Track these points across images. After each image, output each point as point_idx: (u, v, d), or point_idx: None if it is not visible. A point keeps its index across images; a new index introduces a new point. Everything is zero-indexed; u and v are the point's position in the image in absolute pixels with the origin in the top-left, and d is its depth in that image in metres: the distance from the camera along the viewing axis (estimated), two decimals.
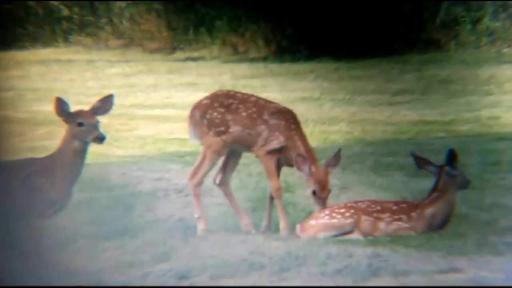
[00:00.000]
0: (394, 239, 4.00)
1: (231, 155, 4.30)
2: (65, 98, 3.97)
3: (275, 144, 4.22)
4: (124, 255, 3.98)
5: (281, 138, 4.21)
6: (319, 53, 11.16)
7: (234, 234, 4.19)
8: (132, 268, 3.82)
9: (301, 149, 4.20)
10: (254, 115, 4.21)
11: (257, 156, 4.28)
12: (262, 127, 4.21)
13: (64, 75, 10.46)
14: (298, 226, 4.23)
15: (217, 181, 4.34)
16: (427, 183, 4.96)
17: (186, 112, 4.38)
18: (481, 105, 7.69)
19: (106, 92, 4.09)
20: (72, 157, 3.92)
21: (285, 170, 4.42)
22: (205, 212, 4.37)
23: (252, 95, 4.32)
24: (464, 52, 10.66)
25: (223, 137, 4.21)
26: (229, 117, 4.21)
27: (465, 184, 4.17)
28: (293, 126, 4.24)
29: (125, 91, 9.23)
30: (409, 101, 7.93)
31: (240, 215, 4.34)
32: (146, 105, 8.57)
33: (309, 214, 4.36)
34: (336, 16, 11.26)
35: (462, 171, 4.16)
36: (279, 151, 4.23)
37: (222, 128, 4.21)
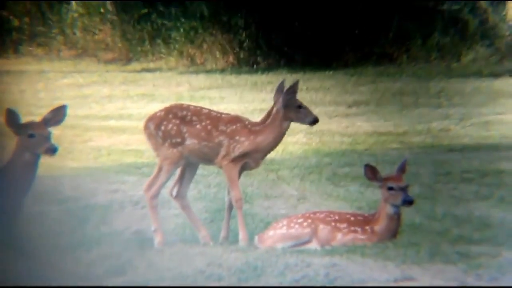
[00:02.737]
0: (351, 248, 4.05)
1: (188, 167, 4.29)
2: (15, 109, 3.87)
3: (240, 149, 4.22)
4: (79, 268, 3.89)
5: (244, 141, 4.21)
6: (276, 65, 11.27)
7: (191, 246, 4.16)
8: (87, 281, 3.73)
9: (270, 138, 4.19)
10: (209, 127, 4.23)
11: (220, 167, 4.26)
12: (220, 138, 4.22)
13: (14, 86, 10.20)
14: (256, 237, 4.23)
15: (174, 194, 4.32)
16: None
17: (142, 123, 4.34)
18: (432, 117, 7.91)
19: (58, 103, 4.01)
20: (23, 169, 3.84)
21: (243, 180, 4.42)
22: (162, 224, 4.32)
23: (204, 108, 4.33)
24: (416, 66, 10.97)
25: (179, 148, 4.20)
26: (184, 129, 4.21)
27: (406, 200, 4.09)
28: (249, 125, 4.25)
29: (79, 102, 9.07)
30: (364, 113, 8.09)
31: (197, 227, 4.31)
32: (100, 116, 8.44)
33: (267, 225, 4.37)
34: (292, 29, 11.42)
35: (403, 187, 4.12)
36: (244, 156, 4.22)
37: (178, 140, 4.21)
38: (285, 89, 4.33)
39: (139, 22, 12.16)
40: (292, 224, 4.18)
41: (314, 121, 4.31)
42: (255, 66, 11.34)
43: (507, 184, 5.31)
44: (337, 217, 4.20)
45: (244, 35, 11.51)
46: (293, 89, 4.31)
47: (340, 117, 7.66)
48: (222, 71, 11.13)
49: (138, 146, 6.92)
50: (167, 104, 4.39)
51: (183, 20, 11.75)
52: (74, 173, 5.86)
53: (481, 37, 11.37)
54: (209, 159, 4.24)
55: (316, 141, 6.85)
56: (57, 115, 3.92)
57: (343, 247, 4.09)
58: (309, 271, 3.69)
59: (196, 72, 11.11)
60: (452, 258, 3.90)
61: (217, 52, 11.57)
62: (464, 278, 3.65)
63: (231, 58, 11.52)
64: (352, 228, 4.18)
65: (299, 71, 10.63)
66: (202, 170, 4.50)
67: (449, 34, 11.29)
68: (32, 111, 6.88)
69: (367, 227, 4.17)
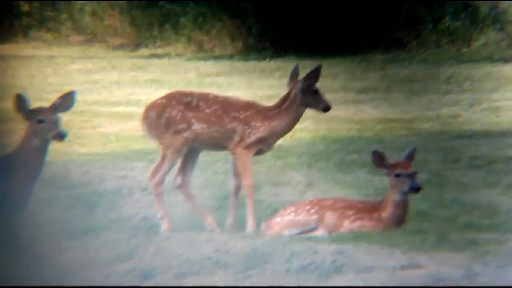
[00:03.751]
0: (358, 236, 4.06)
1: (189, 156, 4.24)
2: (25, 94, 3.88)
3: (256, 135, 4.17)
4: (87, 254, 3.92)
5: (260, 126, 4.16)
6: (284, 51, 11.21)
7: (198, 233, 4.18)
8: (95, 267, 3.77)
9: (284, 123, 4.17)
10: (219, 112, 4.16)
11: (233, 153, 4.21)
12: (234, 124, 4.16)
13: (24, 71, 10.23)
14: (263, 224, 4.24)
15: (178, 183, 4.29)
16: None
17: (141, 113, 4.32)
18: (441, 104, 7.86)
19: (67, 89, 4.03)
20: (32, 155, 3.84)
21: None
22: (169, 211, 4.33)
23: (210, 93, 4.28)
24: (425, 52, 10.87)
25: (185, 134, 4.15)
26: (190, 114, 4.15)
27: (413, 187, 4.06)
28: (263, 110, 4.21)
29: (87, 88, 9.08)
30: (373, 99, 8.04)
31: (203, 215, 4.31)
32: (109, 102, 8.46)
33: (274, 212, 4.38)
34: (301, 15, 11.33)
35: (411, 174, 4.08)
36: (260, 142, 4.18)
37: (184, 126, 4.16)
38: (299, 73, 4.26)
39: (148, 7, 12.11)
40: (299, 211, 4.19)
41: (327, 108, 4.27)
42: (263, 52, 11.28)
43: None
44: (344, 204, 4.20)
45: (252, 21, 11.44)
46: (315, 73, 4.24)
47: (348, 104, 7.63)
48: (231, 57, 11.09)
49: None
50: (175, 90, 4.36)
51: (191, 5, 11.69)
52: (83, 159, 5.89)
53: (492, 22, 11.23)
54: (218, 144, 4.20)
55: (324, 127, 6.83)
56: (67, 100, 3.92)
57: (350, 234, 4.09)
58: (316, 258, 3.70)
59: (205, 59, 11.08)
60: (459, 245, 3.89)
61: (226, 38, 11.52)
62: (471, 266, 3.64)
63: (239, 45, 11.47)
64: (359, 215, 4.18)
65: (307, 58, 10.56)
66: (209, 157, 4.50)
67: (460, 19, 11.16)
68: (41, 96, 6.91)
69: (374, 214, 4.17)
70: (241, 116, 4.17)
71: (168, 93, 4.26)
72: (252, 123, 4.16)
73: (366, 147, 5.95)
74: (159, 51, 11.78)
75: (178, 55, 11.45)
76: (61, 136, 3.84)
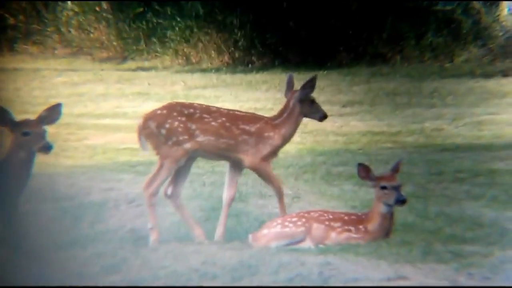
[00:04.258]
0: (344, 247, 4.08)
1: (182, 167, 4.27)
2: (6, 107, 3.86)
3: (272, 145, 4.25)
4: (73, 267, 3.90)
5: (273, 136, 4.24)
6: (271, 64, 11.29)
7: (186, 244, 4.17)
8: (82, 280, 3.75)
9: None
10: (227, 124, 4.21)
11: (249, 167, 4.24)
12: (245, 137, 4.21)
13: (9, 84, 10.17)
14: (250, 236, 4.25)
15: (168, 193, 4.30)
16: None
17: (137, 122, 4.34)
18: (425, 117, 7.95)
19: (53, 101, 4.02)
20: (18, 167, 3.83)
21: (238, 180, 4.44)
22: (157, 222, 4.32)
23: (209, 105, 4.32)
24: (409, 66, 11.01)
25: (186, 145, 4.16)
26: (193, 126, 4.17)
27: (399, 199, 4.10)
28: (269, 120, 4.31)
29: (74, 100, 9.06)
30: (358, 112, 8.12)
31: (192, 226, 4.32)
32: (95, 115, 8.44)
33: (261, 224, 4.40)
34: (287, 29, 11.44)
35: (396, 186, 4.13)
36: (275, 151, 4.26)
37: (185, 137, 4.17)
38: (294, 84, 4.37)
39: (134, 21, 12.15)
40: (286, 223, 4.20)
41: (324, 116, 4.37)
42: (250, 65, 11.36)
43: (499, 184, 5.35)
44: (331, 216, 4.23)
45: (239, 34, 11.53)
46: (311, 83, 4.35)
47: (334, 117, 7.69)
48: (217, 70, 11.14)
49: (133, 145, 6.90)
50: (162, 102, 4.38)
51: (178, 19, 11.75)
52: (69, 171, 5.86)
53: (474, 38, 11.43)
54: (223, 155, 4.22)
55: (310, 140, 6.88)
56: (53, 113, 3.92)
57: (336, 246, 4.11)
58: (303, 269, 3.72)
59: (191, 71, 11.12)
60: (444, 257, 3.93)
61: (212, 52, 11.58)
62: (456, 277, 3.68)
63: (226, 58, 11.53)
64: (346, 227, 4.21)
65: (294, 71, 10.61)
66: (197, 169, 4.52)
67: (442, 35, 11.34)
68: (27, 109, 6.87)
69: (360, 226, 4.20)
70: (253, 129, 4.22)
71: (167, 103, 4.27)
72: (266, 134, 4.23)
73: (352, 159, 6.00)
74: (146, 64, 11.80)
75: (165, 68, 11.48)
76: (46, 148, 3.84)
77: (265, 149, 4.23)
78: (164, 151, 4.17)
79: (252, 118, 4.29)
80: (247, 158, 4.20)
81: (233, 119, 4.23)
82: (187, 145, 4.16)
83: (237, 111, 4.34)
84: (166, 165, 4.17)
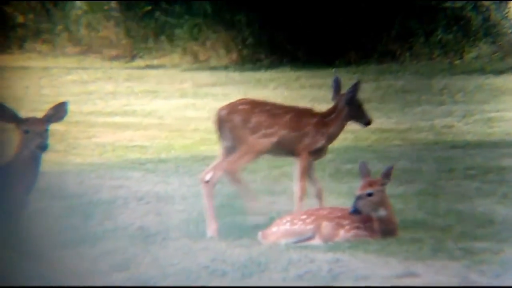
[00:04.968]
0: (354, 244, 4.06)
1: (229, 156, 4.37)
2: (4, 103, 3.85)
3: (322, 141, 4.45)
4: (83, 264, 3.91)
5: (325, 133, 4.46)
6: (279, 62, 11.27)
7: (195, 242, 4.17)
8: (91, 277, 3.76)
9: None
10: (296, 118, 4.39)
11: (296, 155, 4.40)
12: (308, 128, 4.41)
13: (18, 82, 10.22)
14: (260, 233, 4.25)
15: (206, 179, 4.37)
16: (386, 189, 5.06)
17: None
18: (435, 115, 7.91)
19: (61, 100, 4.02)
20: (24, 165, 3.81)
21: (247, 177, 4.44)
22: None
23: (273, 102, 4.52)
24: (418, 63, 10.96)
25: (272, 139, 4.36)
26: (273, 121, 4.37)
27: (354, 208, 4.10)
28: (322, 117, 4.52)
29: (83, 99, 9.09)
30: (367, 110, 8.07)
31: (210, 219, 4.35)
32: (105, 113, 8.46)
33: (271, 221, 4.38)
34: (296, 27, 11.41)
35: (359, 196, 4.14)
36: (322, 147, 4.47)
37: (272, 130, 4.37)
38: (340, 86, 4.55)
39: (143, 19, 12.18)
40: (295, 221, 4.20)
41: (369, 122, 4.60)
42: (258, 63, 11.35)
43: (509, 181, 5.31)
44: (340, 214, 4.22)
45: (247, 32, 11.52)
46: (355, 87, 4.54)
47: None
48: (226, 68, 11.14)
49: (142, 142, 6.94)
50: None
51: (186, 17, 11.76)
52: (78, 169, 5.88)
53: (483, 35, 11.35)
54: (289, 149, 4.42)
55: None
56: (59, 111, 3.89)
57: (346, 243, 4.10)
58: (312, 266, 3.71)
59: (200, 69, 11.12)
60: (455, 255, 3.90)
61: (221, 49, 11.58)
62: (467, 275, 3.65)
63: (234, 56, 11.52)
64: (355, 224, 4.20)
65: (302, 69, 10.63)
66: (206, 166, 4.51)
67: (452, 32, 11.27)
68: (36, 107, 6.90)
69: (369, 224, 4.18)
70: (313, 122, 4.43)
71: (242, 99, 4.45)
72: (322, 130, 4.45)
73: (361, 157, 5.98)
74: (155, 62, 11.82)
75: (174, 66, 11.49)
76: (41, 147, 3.78)
77: (316, 144, 4.42)
78: (251, 142, 4.32)
79: (310, 112, 4.49)
80: (300, 147, 4.39)
81: (299, 113, 4.44)
82: (273, 139, 4.36)
83: (297, 106, 4.55)
84: (249, 155, 4.31)
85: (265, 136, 4.34)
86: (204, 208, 4.36)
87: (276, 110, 4.39)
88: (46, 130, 3.83)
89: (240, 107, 4.39)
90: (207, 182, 4.35)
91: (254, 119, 4.33)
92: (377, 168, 5.76)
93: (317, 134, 4.43)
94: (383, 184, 4.18)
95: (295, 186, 4.42)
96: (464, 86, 9.31)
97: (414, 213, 4.58)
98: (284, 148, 4.41)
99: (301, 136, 4.40)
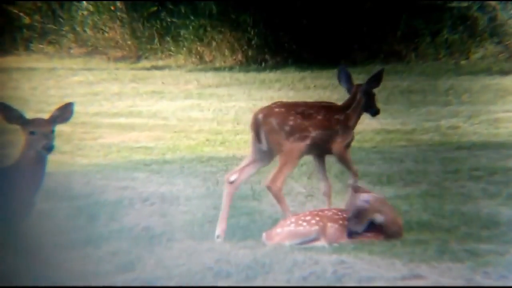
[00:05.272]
0: (358, 246, 4.06)
1: (258, 161, 4.41)
2: (7, 103, 3.86)
3: (350, 138, 4.51)
4: (88, 265, 3.93)
5: (352, 126, 4.51)
6: (284, 63, 11.27)
7: (200, 243, 4.18)
8: (96, 278, 3.77)
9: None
10: (327, 116, 4.44)
11: (335, 153, 4.48)
12: (338, 126, 4.46)
13: (25, 83, 10.27)
14: (264, 234, 4.25)
15: (231, 179, 4.40)
16: (391, 190, 5.06)
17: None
18: (440, 115, 7.88)
19: (68, 101, 4.02)
20: (30, 165, 3.81)
21: (251, 178, 4.44)
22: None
23: (304, 101, 4.56)
24: (424, 64, 10.93)
25: (307, 142, 4.40)
26: (307, 123, 4.41)
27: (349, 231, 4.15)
28: (343, 109, 4.56)
29: (89, 100, 9.12)
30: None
31: (222, 219, 4.36)
32: (110, 114, 8.49)
33: (275, 222, 4.39)
34: (301, 27, 11.41)
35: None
36: (351, 140, 4.57)
37: (306, 133, 4.41)
38: (351, 77, 4.57)
39: (148, 20, 12.20)
40: (300, 222, 4.19)
41: (377, 112, 4.61)
42: (263, 64, 11.35)
43: None
44: (344, 215, 4.21)
45: (252, 33, 11.52)
46: (378, 76, 4.56)
47: None
48: (231, 68, 11.15)
49: (147, 143, 6.96)
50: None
51: (192, 18, 11.77)
52: (84, 169, 5.90)
53: (490, 35, 11.31)
54: (322, 148, 4.47)
55: None
56: (65, 112, 3.90)
57: (350, 244, 4.10)
58: (317, 268, 3.71)
59: (205, 70, 11.14)
60: (460, 256, 3.90)
61: (226, 50, 11.59)
62: (472, 276, 3.65)
63: (239, 56, 11.53)
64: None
65: (307, 69, 10.62)
66: (210, 167, 4.53)
67: (458, 32, 11.23)
68: (43, 108, 6.94)
69: (374, 226, 4.17)
70: (341, 118, 4.47)
71: (277, 102, 4.48)
72: (349, 124, 4.50)
73: (366, 157, 5.97)
74: (160, 63, 11.84)
75: (179, 66, 11.51)
76: (47, 148, 3.78)
77: (347, 139, 4.48)
78: (288, 146, 4.35)
79: (336, 108, 4.53)
80: (336, 145, 4.44)
81: (328, 110, 4.48)
82: (307, 141, 4.39)
83: (324, 102, 4.60)
84: (290, 161, 4.35)
85: (300, 139, 4.37)
86: (221, 207, 4.35)
87: (308, 111, 4.42)
88: (52, 131, 3.84)
89: (276, 110, 4.41)
90: (231, 183, 4.37)
91: (290, 122, 4.36)
92: (382, 169, 5.76)
93: (346, 129, 4.46)
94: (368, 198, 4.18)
95: (322, 185, 4.46)
96: (470, 87, 9.28)
97: (419, 215, 4.57)
98: (319, 148, 4.45)
99: (333, 134, 4.43)
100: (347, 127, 4.48)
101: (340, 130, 4.45)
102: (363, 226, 4.15)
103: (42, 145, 3.80)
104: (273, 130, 4.34)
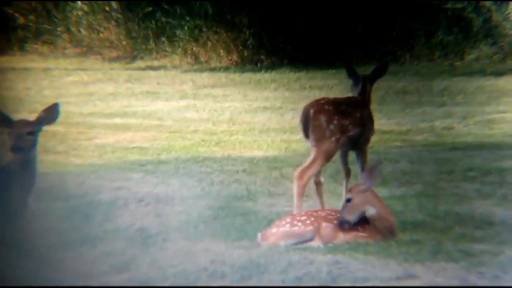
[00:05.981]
0: (353, 246, 4.07)
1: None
2: None
3: (372, 131, 4.56)
4: (82, 265, 3.91)
5: (372, 126, 4.55)
6: (279, 63, 11.28)
7: (194, 243, 4.18)
8: (91, 278, 3.76)
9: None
10: (362, 113, 4.49)
11: (361, 150, 4.51)
12: (368, 121, 4.51)
13: (19, 83, 10.24)
14: (259, 234, 4.25)
15: (322, 180, 4.45)
16: (386, 191, 5.07)
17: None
18: (435, 116, 7.91)
19: (62, 101, 4.02)
20: (19, 166, 3.81)
21: (246, 178, 4.44)
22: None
23: (341, 97, 4.59)
24: (419, 65, 10.96)
25: (344, 141, 4.44)
26: (346, 122, 4.44)
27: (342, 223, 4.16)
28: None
29: (84, 100, 9.10)
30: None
31: (297, 207, 4.39)
32: (105, 114, 8.47)
33: (270, 222, 4.39)
34: (296, 28, 11.42)
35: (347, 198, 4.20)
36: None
37: (346, 134, 4.45)
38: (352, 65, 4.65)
39: (143, 20, 12.18)
40: (295, 222, 4.20)
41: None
42: (258, 64, 11.35)
43: (509, 183, 5.31)
44: (338, 215, 4.22)
45: (248, 33, 11.52)
46: (385, 66, 4.62)
47: None
48: (226, 69, 11.14)
49: (142, 144, 6.94)
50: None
51: (187, 18, 11.76)
52: (79, 170, 5.89)
53: (484, 36, 11.35)
54: (353, 144, 4.51)
55: None
56: (51, 113, 3.90)
57: (345, 244, 4.10)
58: (312, 268, 3.71)
59: (200, 70, 11.13)
60: (454, 256, 3.91)
61: (221, 51, 11.59)
62: (466, 276, 3.66)
63: (235, 57, 11.53)
64: (354, 226, 4.20)
65: (303, 70, 10.63)
66: (205, 167, 4.53)
67: (452, 33, 11.27)
68: (37, 108, 6.88)
69: (366, 225, 4.19)
70: (367, 113, 4.51)
71: (324, 98, 4.48)
72: (373, 117, 4.56)
73: None
74: (155, 63, 11.83)
75: (174, 67, 11.50)
76: (11, 149, 3.78)
77: (370, 133, 4.53)
78: (326, 145, 4.37)
79: (363, 102, 4.55)
80: (364, 140, 4.49)
81: (359, 106, 4.50)
82: (341, 141, 4.43)
83: (352, 97, 4.58)
84: (324, 159, 4.36)
85: (339, 140, 4.40)
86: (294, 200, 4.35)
87: (348, 108, 4.44)
88: (28, 133, 3.83)
89: (326, 107, 4.42)
90: (321, 184, 4.43)
91: (335, 122, 4.39)
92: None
93: (372, 123, 4.52)
94: (364, 187, 4.17)
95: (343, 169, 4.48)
96: (465, 88, 9.31)
97: (413, 215, 4.58)
98: (350, 144, 4.47)
99: (365, 130, 4.48)
100: (372, 121, 4.51)
101: (368, 124, 4.49)
102: (355, 217, 4.13)
103: (9, 146, 3.79)
104: (320, 126, 4.36)
